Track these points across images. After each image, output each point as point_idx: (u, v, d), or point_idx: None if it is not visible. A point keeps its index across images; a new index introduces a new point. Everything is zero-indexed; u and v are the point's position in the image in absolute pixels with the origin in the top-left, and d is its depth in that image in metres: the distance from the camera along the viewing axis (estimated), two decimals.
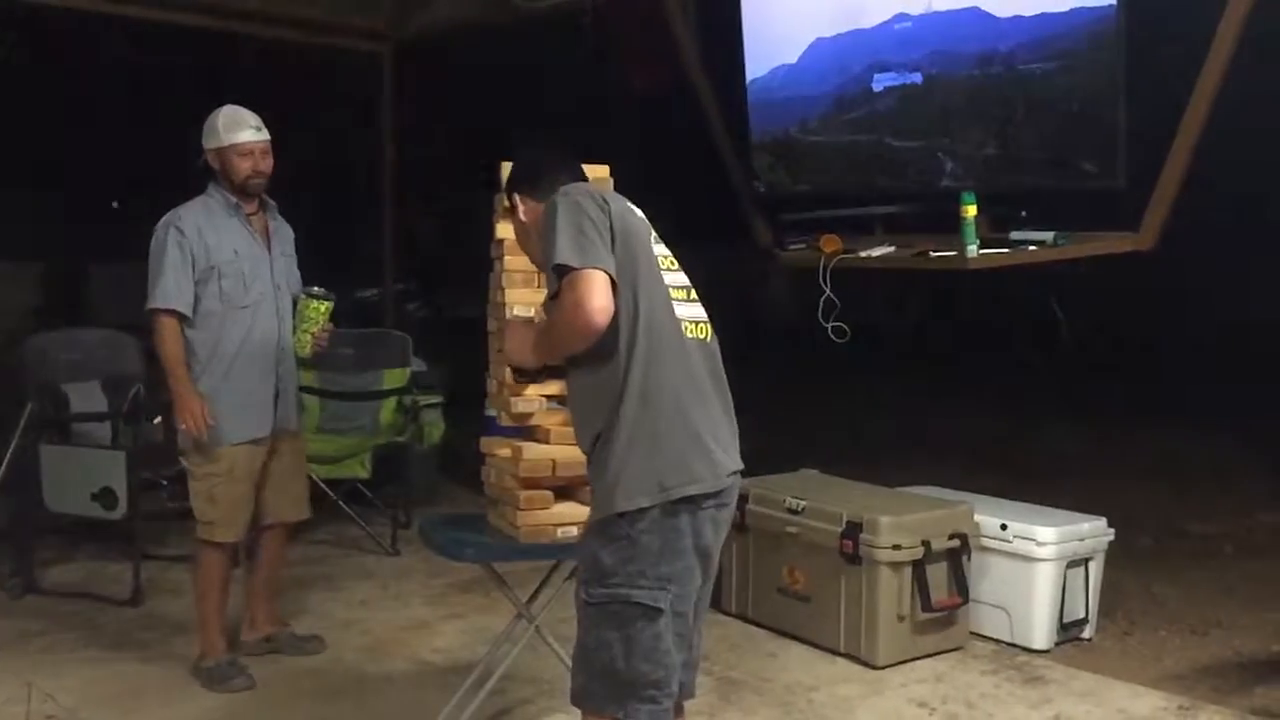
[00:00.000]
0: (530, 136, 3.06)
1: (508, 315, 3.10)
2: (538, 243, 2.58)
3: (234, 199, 3.79)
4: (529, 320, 2.84)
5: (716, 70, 5.76)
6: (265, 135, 3.80)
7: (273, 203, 3.93)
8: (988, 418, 8.17)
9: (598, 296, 2.32)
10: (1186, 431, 7.44)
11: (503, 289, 3.13)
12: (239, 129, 3.76)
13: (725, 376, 2.58)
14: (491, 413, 3.84)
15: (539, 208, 2.60)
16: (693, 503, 2.43)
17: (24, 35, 7.90)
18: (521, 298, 3.09)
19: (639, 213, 2.56)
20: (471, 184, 4.63)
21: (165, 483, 5.14)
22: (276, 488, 3.93)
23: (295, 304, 3.88)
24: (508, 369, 3.09)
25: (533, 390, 3.11)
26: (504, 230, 3.19)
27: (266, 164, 3.80)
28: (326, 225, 4.13)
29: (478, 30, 7.24)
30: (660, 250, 2.56)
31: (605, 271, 2.35)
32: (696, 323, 2.55)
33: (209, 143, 3.79)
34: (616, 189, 2.88)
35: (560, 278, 2.37)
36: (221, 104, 3.84)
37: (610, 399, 2.41)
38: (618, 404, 2.40)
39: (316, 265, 4.17)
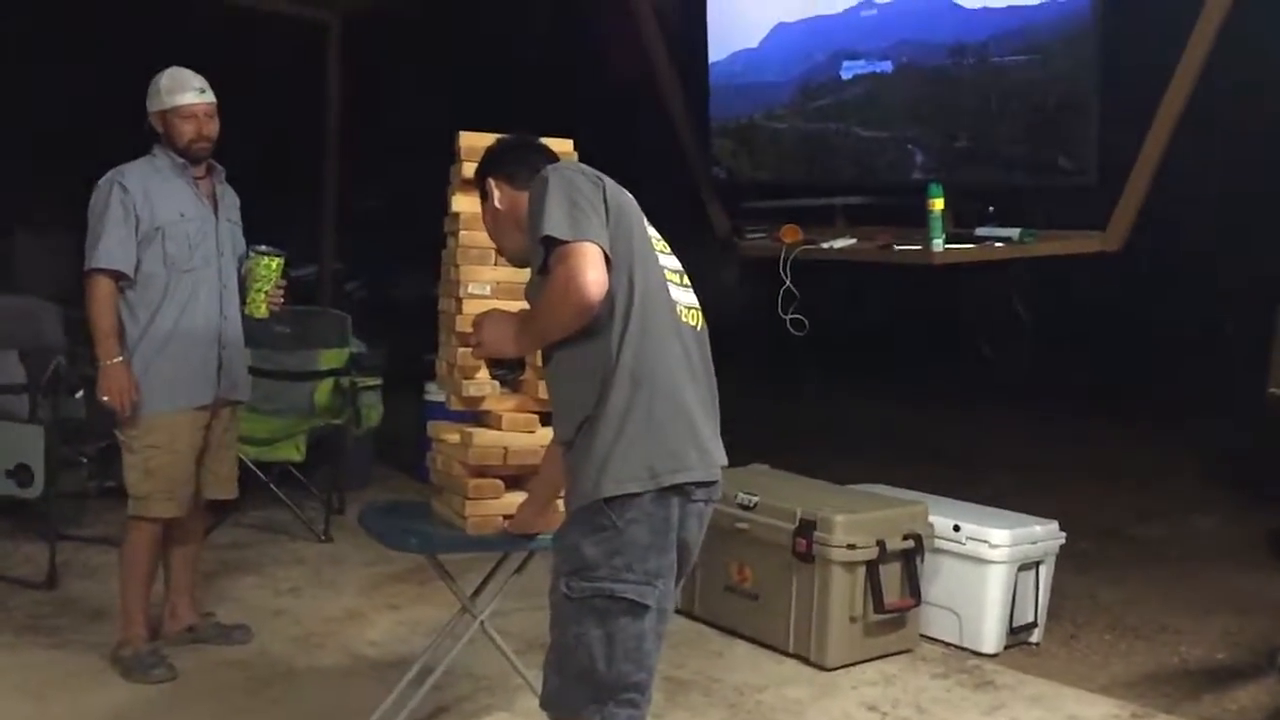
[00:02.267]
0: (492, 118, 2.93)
1: (462, 293, 2.96)
2: (513, 230, 2.47)
3: (180, 160, 3.64)
4: (506, 310, 2.66)
5: (679, 51, 5.63)
6: (210, 98, 3.65)
7: (220, 168, 3.78)
8: (937, 414, 8.15)
9: (592, 269, 2.19)
10: (1128, 433, 7.47)
11: (457, 265, 3.01)
12: (182, 91, 3.61)
13: (713, 368, 2.46)
14: (433, 397, 3.67)
15: (517, 195, 2.48)
16: (683, 492, 2.30)
17: None
18: (477, 275, 2.99)
19: (629, 194, 2.42)
20: (419, 159, 4.46)
21: (85, 460, 4.94)
22: (203, 462, 3.75)
23: (242, 267, 3.74)
24: (460, 351, 2.95)
25: (483, 374, 2.98)
26: (460, 204, 3.06)
27: (211, 127, 3.64)
28: (262, 199, 3.95)
29: (431, 2, 7.07)
30: (652, 232, 2.43)
31: (599, 245, 2.22)
32: (690, 308, 2.43)
33: (152, 105, 3.63)
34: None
35: (549, 251, 2.24)
36: (164, 65, 3.67)
37: (599, 381, 2.27)
38: (607, 386, 2.26)
39: (250, 240, 3.97)
